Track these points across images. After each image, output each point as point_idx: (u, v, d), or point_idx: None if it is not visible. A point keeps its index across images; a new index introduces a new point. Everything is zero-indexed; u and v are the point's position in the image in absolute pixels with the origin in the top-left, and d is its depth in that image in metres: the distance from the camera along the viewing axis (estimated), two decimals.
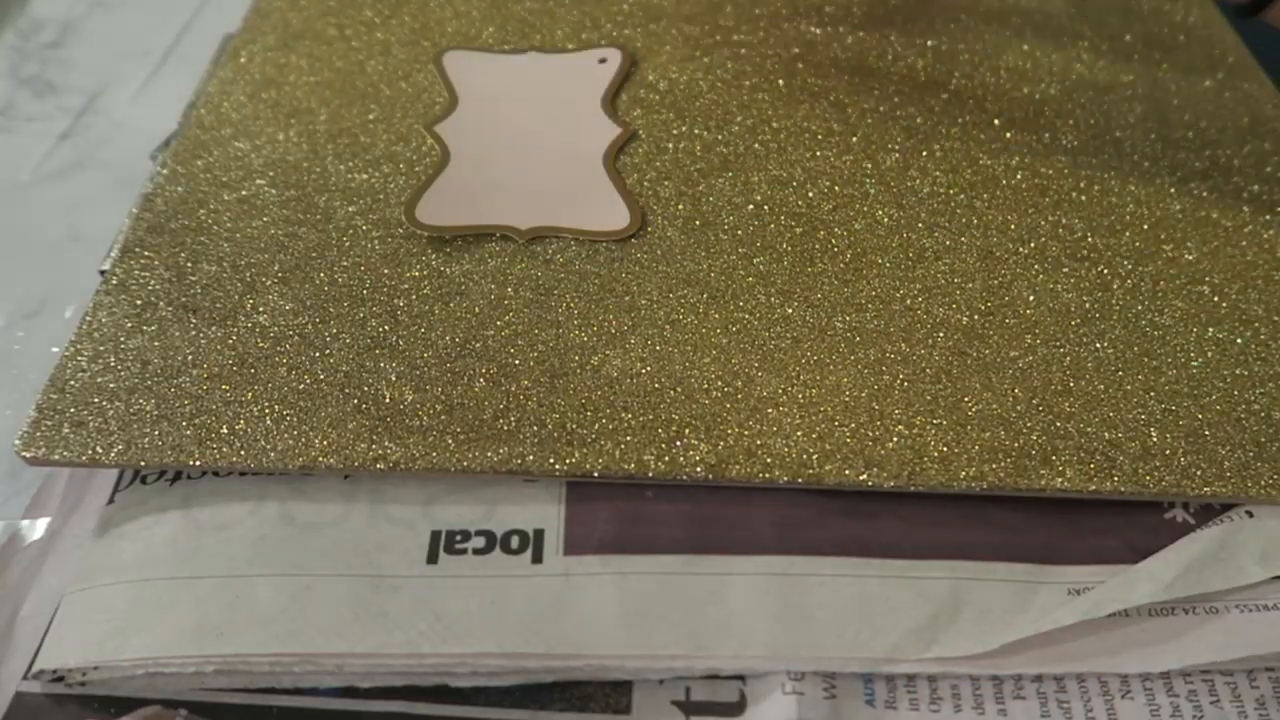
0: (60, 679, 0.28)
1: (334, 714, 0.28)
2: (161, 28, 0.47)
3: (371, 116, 0.41)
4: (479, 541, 0.30)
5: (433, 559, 0.29)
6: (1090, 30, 0.46)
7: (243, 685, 0.28)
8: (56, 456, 0.30)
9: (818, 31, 0.45)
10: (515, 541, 0.30)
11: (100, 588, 0.29)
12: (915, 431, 0.31)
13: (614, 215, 0.37)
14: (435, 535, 0.30)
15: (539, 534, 0.30)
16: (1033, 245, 0.37)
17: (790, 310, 0.35)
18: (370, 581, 0.29)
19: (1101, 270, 0.36)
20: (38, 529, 0.32)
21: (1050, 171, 0.39)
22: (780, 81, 0.43)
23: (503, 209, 0.37)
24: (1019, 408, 0.32)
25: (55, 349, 0.36)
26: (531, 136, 0.40)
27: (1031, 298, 0.35)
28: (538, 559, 0.30)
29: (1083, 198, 0.38)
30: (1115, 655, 0.28)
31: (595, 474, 0.30)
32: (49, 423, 0.31)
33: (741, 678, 0.28)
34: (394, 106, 0.41)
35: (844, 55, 0.44)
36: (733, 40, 0.45)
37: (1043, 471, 0.30)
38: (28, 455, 0.30)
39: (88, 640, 0.28)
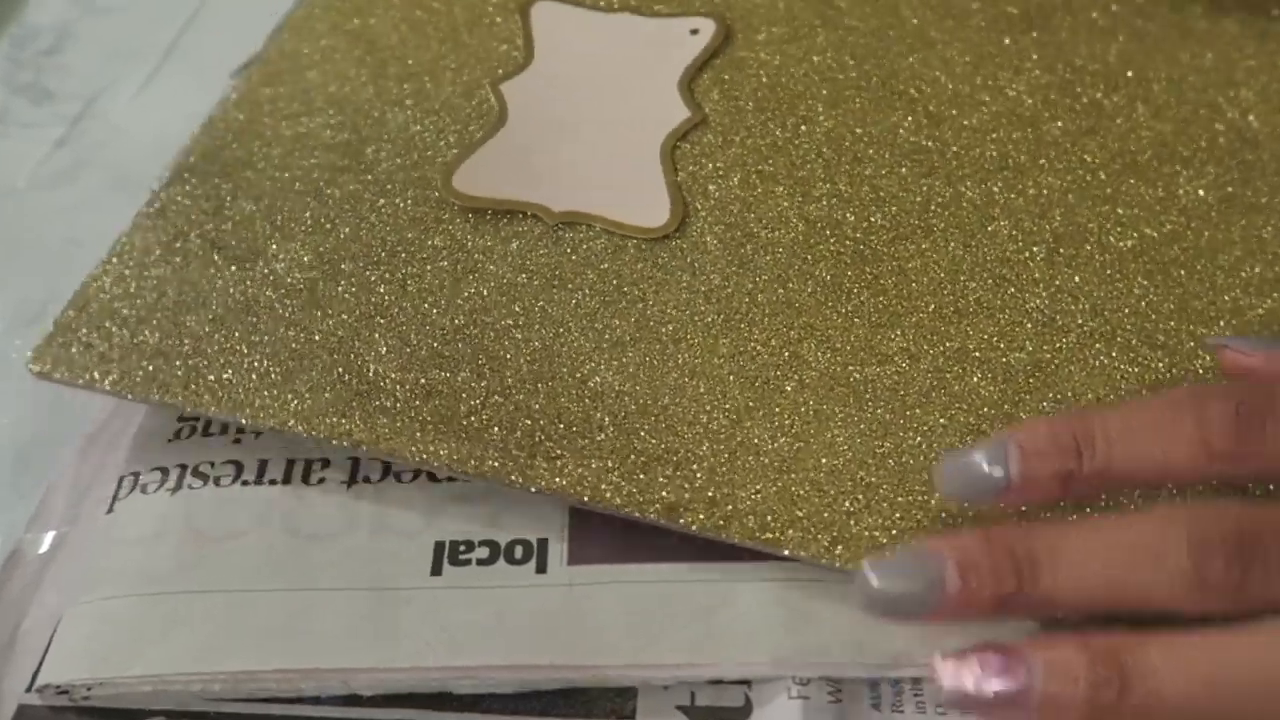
0: (65, 693, 0.28)
1: None
2: (158, 33, 0.45)
3: (444, 62, 0.40)
4: (483, 552, 0.30)
5: (437, 570, 0.30)
6: (1260, 50, 0.39)
7: (246, 695, 0.28)
8: (58, 375, 0.32)
9: (937, 34, 0.41)
10: (519, 551, 0.30)
11: (102, 601, 0.29)
12: (897, 515, 0.29)
13: (653, 210, 0.35)
14: (439, 546, 0.30)
15: (543, 543, 0.30)
16: (1103, 319, 0.33)
17: (807, 349, 0.32)
18: (375, 595, 0.29)
19: (1171, 363, 0.32)
20: (40, 542, 0.32)
21: (1155, 235, 0.35)
22: (877, 79, 0.39)
23: (541, 186, 0.36)
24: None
25: None
26: (594, 109, 0.38)
27: (1081, 379, 0.31)
28: (542, 569, 0.30)
29: (1182, 272, 0.34)
30: None
31: (550, 493, 0.29)
32: (61, 340, 0.32)
33: (747, 682, 0.28)
34: (470, 54, 0.40)
35: (961, 56, 0.40)
36: (844, 24, 0.41)
37: None
38: (35, 369, 0.32)
39: (93, 655, 0.28)
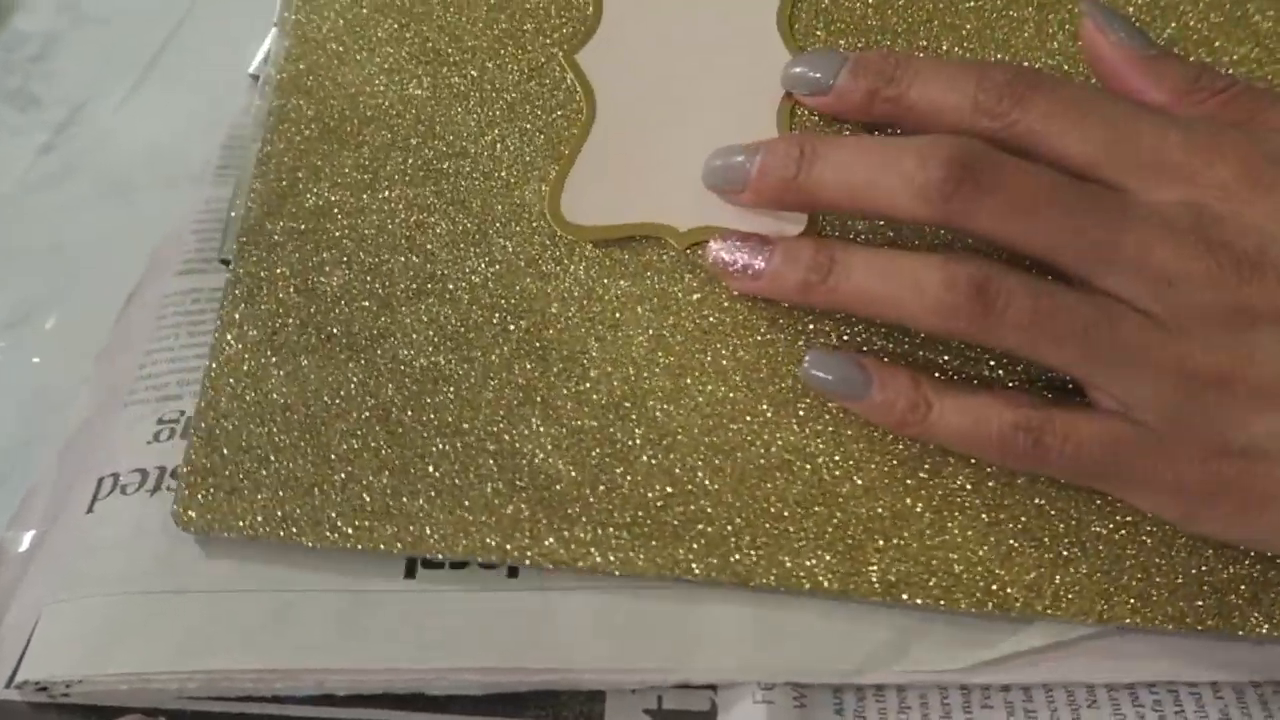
0: (44, 689, 0.28)
1: None
2: (144, 42, 0.45)
3: (498, 31, 0.34)
4: None
5: (410, 574, 0.29)
6: None
7: (222, 694, 0.28)
8: (217, 529, 0.28)
9: None
10: None
11: (81, 600, 0.29)
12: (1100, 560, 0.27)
13: (787, 216, 0.30)
14: None
15: None
16: None
17: None
18: (350, 597, 0.28)
19: None
20: (20, 541, 0.31)
21: None
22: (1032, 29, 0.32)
23: (660, 199, 0.31)
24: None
25: (36, 360, 0.36)
26: (689, 74, 0.32)
27: None
28: (514, 574, 0.29)
29: None
30: (1084, 666, 0.27)
31: (762, 589, 0.27)
32: (202, 490, 0.28)
33: (713, 687, 0.28)
34: (524, 14, 0.34)
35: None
36: None
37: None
38: (191, 530, 0.28)
39: (72, 653, 0.28)
